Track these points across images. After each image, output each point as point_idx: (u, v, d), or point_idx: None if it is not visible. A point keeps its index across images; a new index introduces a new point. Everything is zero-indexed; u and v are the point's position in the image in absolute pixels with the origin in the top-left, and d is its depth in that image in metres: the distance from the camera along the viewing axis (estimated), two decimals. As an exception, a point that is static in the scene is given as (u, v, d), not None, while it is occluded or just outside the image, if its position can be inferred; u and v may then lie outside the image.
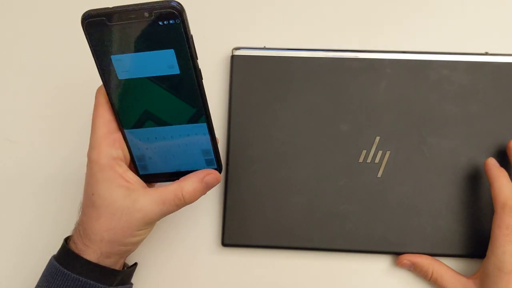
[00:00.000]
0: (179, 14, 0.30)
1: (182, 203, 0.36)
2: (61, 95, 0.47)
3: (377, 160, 0.43)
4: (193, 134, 0.36)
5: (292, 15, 0.47)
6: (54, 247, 0.38)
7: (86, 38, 0.32)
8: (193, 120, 0.35)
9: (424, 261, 0.41)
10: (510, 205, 0.38)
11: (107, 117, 0.35)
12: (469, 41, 0.46)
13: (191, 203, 0.37)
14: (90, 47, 0.32)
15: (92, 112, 0.36)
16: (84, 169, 0.36)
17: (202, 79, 0.34)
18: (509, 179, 0.39)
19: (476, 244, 0.42)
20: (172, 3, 0.30)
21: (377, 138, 0.43)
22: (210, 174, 0.37)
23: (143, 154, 0.37)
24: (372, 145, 0.43)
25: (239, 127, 0.44)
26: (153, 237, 0.45)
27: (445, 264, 0.42)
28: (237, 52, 0.45)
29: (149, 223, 0.37)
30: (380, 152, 0.43)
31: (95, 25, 0.31)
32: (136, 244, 0.38)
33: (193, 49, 0.32)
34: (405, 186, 0.43)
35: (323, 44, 0.46)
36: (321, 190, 0.43)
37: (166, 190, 0.36)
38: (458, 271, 0.41)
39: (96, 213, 0.35)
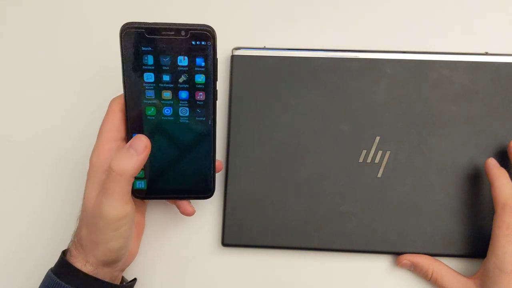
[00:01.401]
0: (212, 37, 0.34)
1: (113, 173, 0.33)
2: (65, 96, 0.47)
3: (377, 160, 0.43)
4: (196, 150, 0.37)
5: (292, 15, 0.47)
6: (53, 257, 0.38)
7: (120, 46, 0.34)
8: (200, 137, 0.37)
9: (424, 261, 0.41)
10: (511, 205, 0.38)
11: (116, 124, 0.36)
12: (469, 41, 0.46)
13: (126, 172, 0.33)
14: (121, 55, 0.34)
15: (102, 117, 0.36)
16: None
17: (217, 99, 0.36)
18: (509, 179, 0.39)
19: (476, 244, 0.42)
20: (207, 27, 0.34)
21: (377, 138, 0.43)
22: (135, 138, 0.35)
23: (145, 167, 0.37)
24: (372, 145, 0.43)
25: (239, 127, 0.44)
26: (153, 237, 0.44)
27: (445, 264, 0.42)
28: (237, 52, 0.45)
29: (111, 222, 0.34)
30: (380, 152, 0.43)
31: (132, 36, 0.33)
32: (120, 249, 0.36)
33: (216, 71, 0.35)
34: (405, 186, 0.43)
35: (323, 44, 0.46)
36: (321, 190, 0.43)
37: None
38: (458, 271, 0.41)
39: (82, 217, 0.36)
